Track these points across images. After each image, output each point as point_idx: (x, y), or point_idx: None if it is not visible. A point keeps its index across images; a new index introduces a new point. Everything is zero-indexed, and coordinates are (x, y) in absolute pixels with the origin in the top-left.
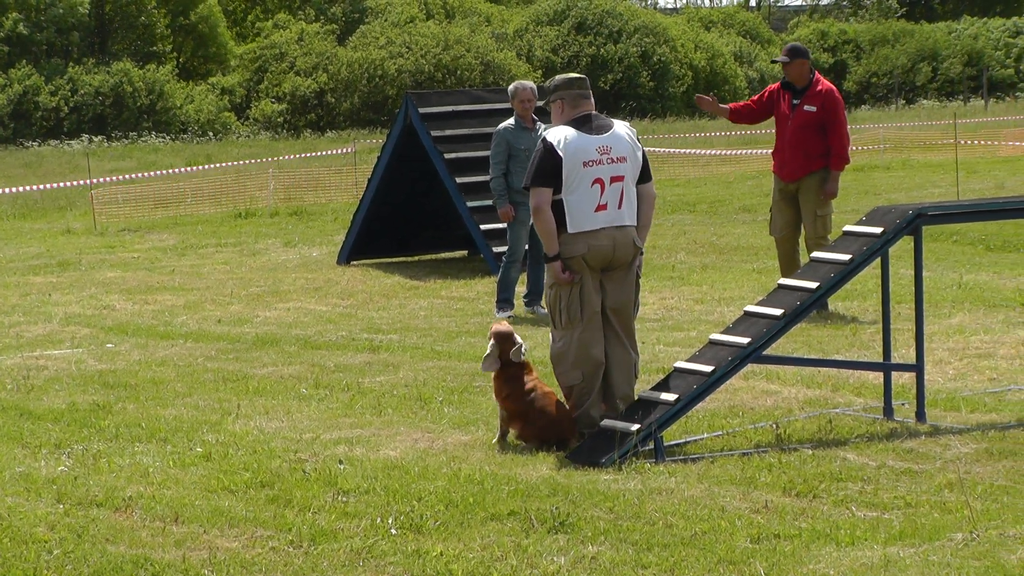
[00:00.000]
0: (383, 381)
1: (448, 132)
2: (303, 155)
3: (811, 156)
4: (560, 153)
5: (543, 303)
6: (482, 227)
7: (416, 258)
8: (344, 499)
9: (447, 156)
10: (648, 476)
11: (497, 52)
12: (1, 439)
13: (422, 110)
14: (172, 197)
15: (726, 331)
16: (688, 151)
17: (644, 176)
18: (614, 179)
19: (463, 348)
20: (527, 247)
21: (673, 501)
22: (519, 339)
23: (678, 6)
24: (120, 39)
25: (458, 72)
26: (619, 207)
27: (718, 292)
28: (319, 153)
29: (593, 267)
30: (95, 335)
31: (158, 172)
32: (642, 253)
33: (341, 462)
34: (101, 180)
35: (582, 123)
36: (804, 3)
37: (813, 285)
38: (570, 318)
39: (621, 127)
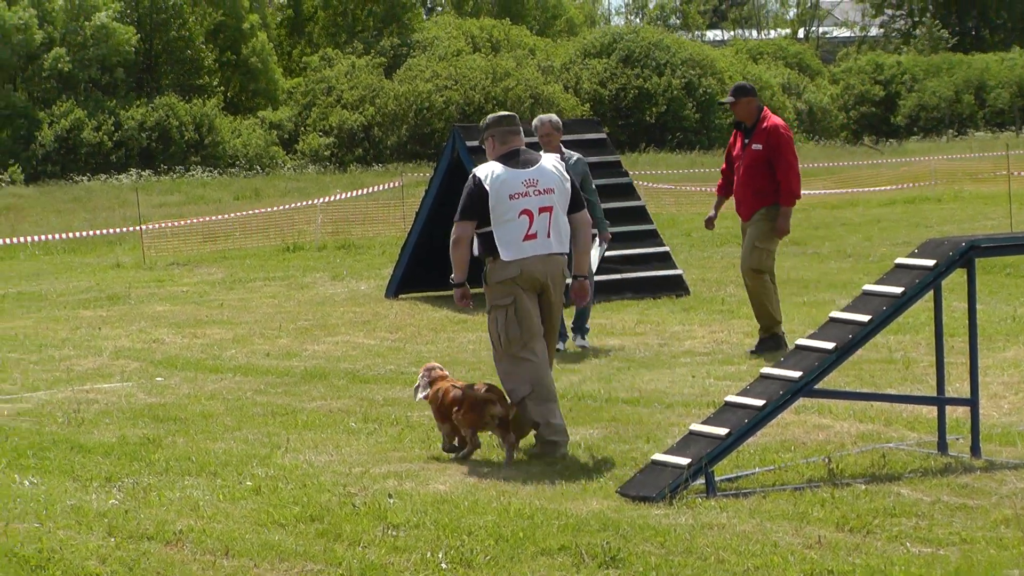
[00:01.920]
0: (432, 415)
1: None
2: (352, 193)
3: (760, 193)
4: (487, 187)
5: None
6: None
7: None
8: (394, 533)
9: None
10: (699, 511)
11: (544, 85)
12: (52, 472)
13: (469, 143)
14: (220, 231)
15: (777, 365)
16: None
17: (576, 205)
18: (542, 209)
19: None
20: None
21: (725, 536)
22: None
23: (726, 38)
24: (167, 74)
25: (508, 104)
26: (547, 236)
27: None
28: (368, 190)
29: (528, 289)
30: (145, 369)
31: (206, 207)
32: (582, 278)
33: (391, 496)
34: (151, 219)
35: (510, 158)
36: (853, 35)
37: (865, 318)
38: (509, 340)
39: (548, 160)
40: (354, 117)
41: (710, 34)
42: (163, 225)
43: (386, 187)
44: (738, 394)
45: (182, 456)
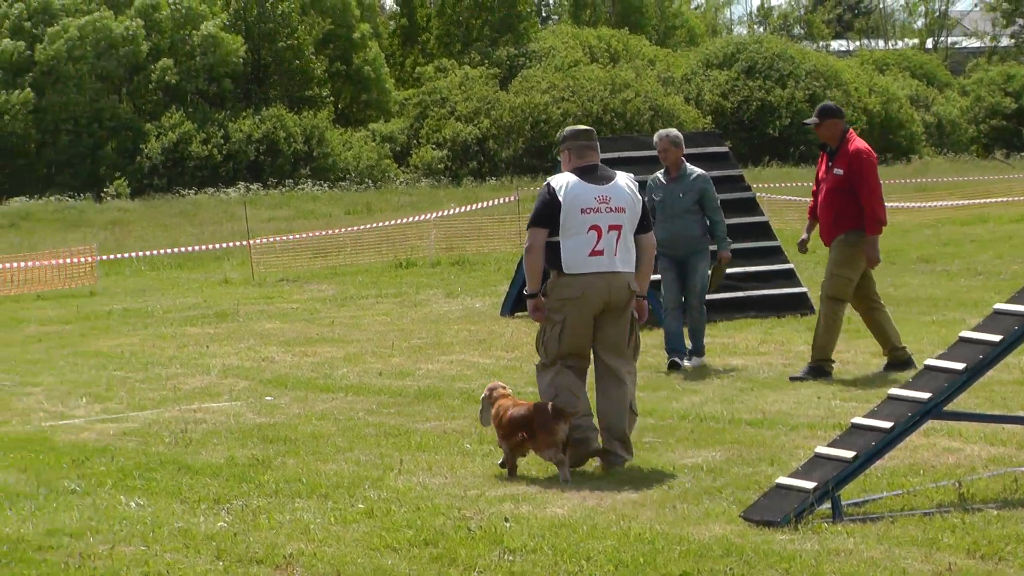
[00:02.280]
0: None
1: None
2: (466, 207)
3: (841, 218)
4: (560, 198)
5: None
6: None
7: None
8: (510, 558)
9: None
10: (825, 536)
11: (664, 96)
12: (159, 494)
13: None
14: (331, 247)
15: (905, 386)
16: None
17: (643, 227)
18: (611, 227)
19: None
20: (683, 298)
21: (852, 563)
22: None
23: (851, 48)
24: (275, 84)
25: (627, 116)
26: (615, 254)
27: None
28: (482, 204)
29: (586, 311)
30: (254, 388)
31: (316, 221)
32: (640, 297)
33: (507, 520)
34: (260, 234)
35: (586, 172)
36: (982, 45)
37: (996, 338)
38: (547, 352)
39: (623, 178)
40: (468, 129)
41: (835, 44)
42: (272, 240)
43: (501, 201)
44: (865, 416)
45: (292, 478)
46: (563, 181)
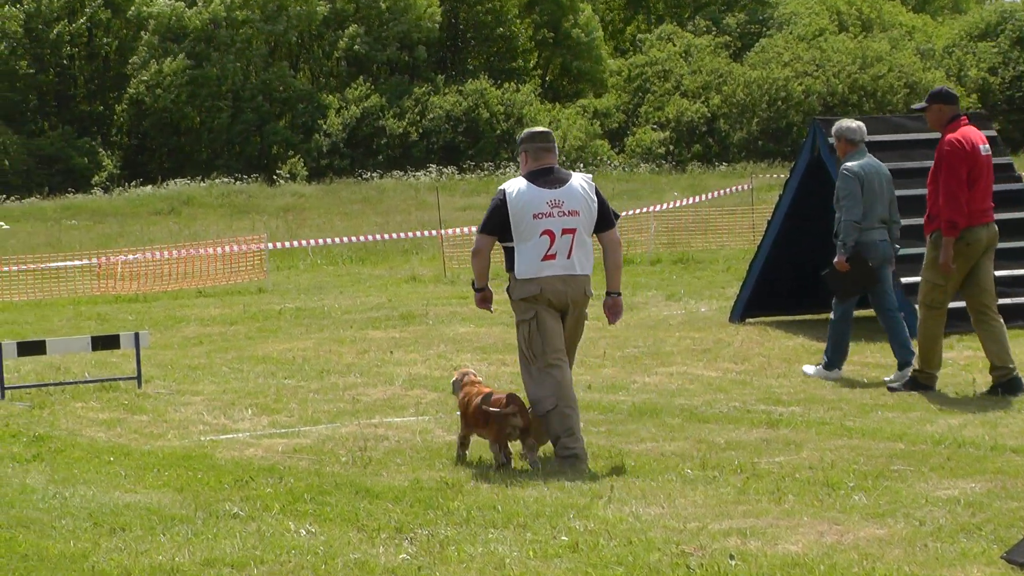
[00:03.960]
0: (783, 462)
1: None
2: (692, 198)
3: (931, 216)
4: (509, 205)
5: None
6: (903, 280)
7: (824, 316)
8: None
9: None
10: None
11: (923, 72)
12: (333, 520)
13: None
14: None
15: None
16: None
17: (605, 224)
18: (565, 231)
19: (879, 424)
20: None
21: None
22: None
23: None
24: (475, 54)
25: (878, 95)
26: (568, 257)
27: None
28: (710, 195)
29: (549, 306)
30: (443, 400)
31: None
32: (614, 295)
33: (732, 557)
34: (453, 224)
35: (538, 176)
36: None
37: None
38: (534, 354)
39: (577, 179)
40: (695, 107)
41: None
42: (467, 232)
43: (733, 191)
44: None
45: (486, 504)
46: (514, 187)
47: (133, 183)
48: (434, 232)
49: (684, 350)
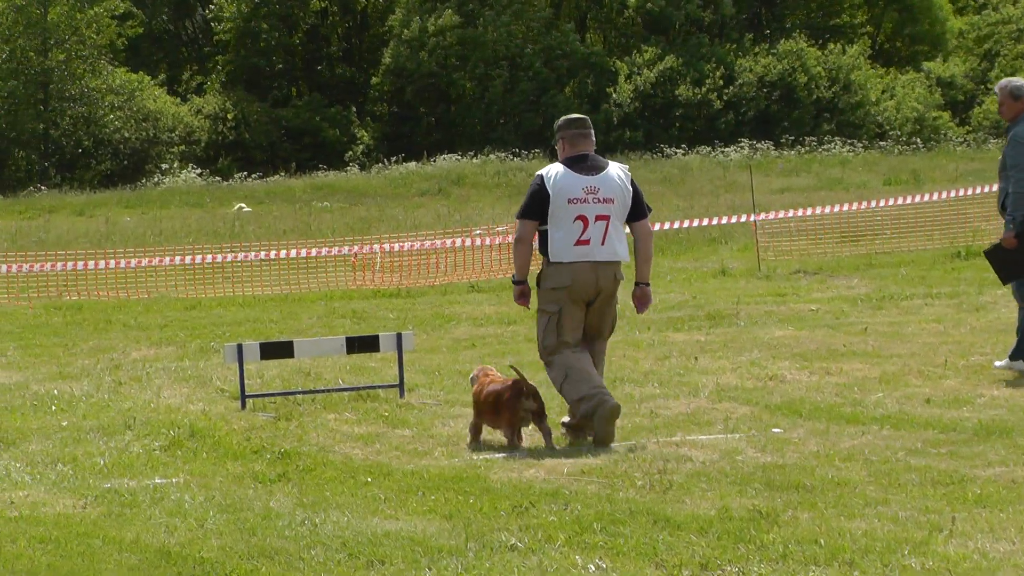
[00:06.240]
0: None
1: None
2: None
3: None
4: (548, 189)
5: None
6: None
7: None
8: None
9: None
10: None
11: None
12: (628, 554)
13: None
14: (864, 228)
15: None
16: None
17: (638, 213)
18: (599, 217)
19: None
20: None
21: None
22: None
23: None
24: (794, 9)
25: None
26: (602, 243)
27: None
28: None
29: (576, 299)
30: (756, 415)
31: (844, 194)
32: (642, 284)
33: None
34: (769, 209)
35: (576, 162)
36: None
37: None
38: (545, 347)
39: (614, 168)
40: None
41: None
42: (783, 216)
43: None
44: None
45: (806, 538)
46: (552, 171)
47: (394, 159)
48: (746, 218)
49: None
